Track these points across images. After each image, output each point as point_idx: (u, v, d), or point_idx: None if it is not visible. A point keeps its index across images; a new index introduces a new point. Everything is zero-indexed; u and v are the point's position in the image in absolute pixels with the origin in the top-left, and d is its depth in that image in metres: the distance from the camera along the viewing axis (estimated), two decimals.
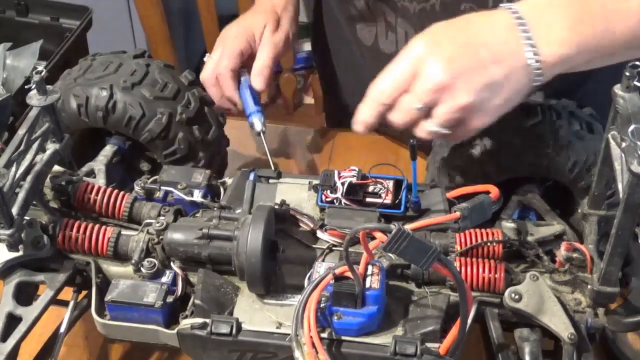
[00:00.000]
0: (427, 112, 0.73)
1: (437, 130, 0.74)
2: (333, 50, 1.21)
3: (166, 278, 0.71)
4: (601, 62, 0.76)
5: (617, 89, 0.64)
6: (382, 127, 0.80)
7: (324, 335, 0.65)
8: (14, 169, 0.68)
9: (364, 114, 0.76)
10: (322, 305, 0.64)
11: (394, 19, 0.98)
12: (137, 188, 0.79)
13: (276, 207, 0.74)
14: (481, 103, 0.72)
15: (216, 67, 1.01)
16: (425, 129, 0.74)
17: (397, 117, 0.75)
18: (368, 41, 1.05)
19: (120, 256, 0.74)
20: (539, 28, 0.72)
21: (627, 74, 0.63)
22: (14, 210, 0.68)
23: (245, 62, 1.03)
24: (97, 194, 0.77)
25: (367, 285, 0.65)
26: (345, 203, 0.76)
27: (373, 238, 0.64)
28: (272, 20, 1.07)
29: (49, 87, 0.73)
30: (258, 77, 1.02)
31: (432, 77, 0.71)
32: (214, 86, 1.02)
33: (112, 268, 0.74)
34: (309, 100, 2.02)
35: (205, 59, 1.05)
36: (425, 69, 0.72)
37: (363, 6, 1.01)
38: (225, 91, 1.01)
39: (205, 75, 1.02)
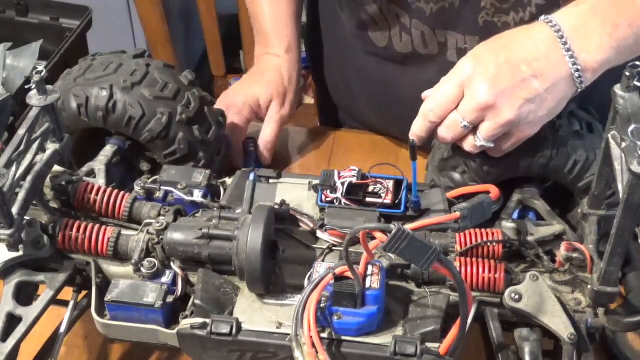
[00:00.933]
0: (473, 128, 0.78)
1: (482, 144, 0.79)
2: (328, 50, 1.20)
3: (166, 278, 0.71)
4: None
5: (617, 89, 0.64)
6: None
7: (324, 335, 0.66)
8: (14, 169, 0.68)
9: (416, 129, 0.82)
10: (322, 305, 0.64)
11: (408, 20, 0.98)
12: (137, 188, 0.79)
13: (276, 207, 0.74)
14: (525, 117, 0.77)
15: (228, 130, 1.02)
16: (471, 144, 0.80)
17: (445, 133, 0.80)
18: (381, 43, 1.04)
19: (120, 256, 0.74)
20: (578, 38, 0.76)
21: (627, 74, 0.63)
22: (14, 210, 0.68)
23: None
24: (97, 194, 0.77)
25: (367, 285, 0.65)
26: (345, 203, 0.76)
27: (373, 238, 0.64)
28: (280, 95, 1.09)
29: (49, 87, 0.73)
30: (265, 152, 1.06)
31: (477, 97, 0.76)
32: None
33: (112, 268, 0.74)
34: (309, 100, 2.02)
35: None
36: (471, 89, 0.77)
37: (375, 11, 1.00)
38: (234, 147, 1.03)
39: None
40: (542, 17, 0.78)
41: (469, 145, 0.80)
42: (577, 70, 0.76)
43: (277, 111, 1.08)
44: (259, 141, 1.06)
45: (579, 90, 0.78)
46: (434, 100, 0.80)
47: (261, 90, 1.08)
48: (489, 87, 0.76)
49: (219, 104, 1.05)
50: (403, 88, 1.06)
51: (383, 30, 1.02)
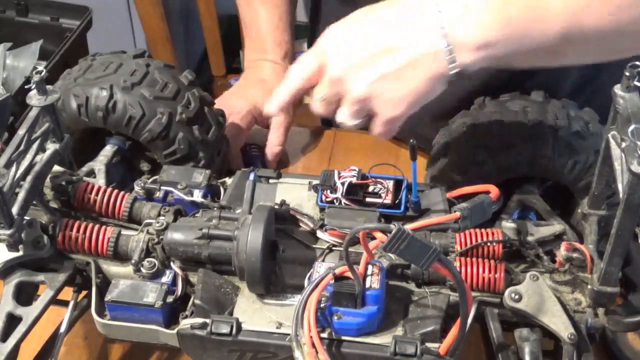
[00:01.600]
0: (339, 102, 0.76)
1: (346, 120, 0.77)
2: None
3: (166, 278, 0.71)
4: (540, 58, 0.72)
5: (617, 89, 0.64)
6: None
7: (324, 335, 0.65)
8: (14, 169, 0.68)
9: (277, 98, 0.83)
10: (322, 305, 0.64)
11: None
12: (137, 188, 0.79)
13: (276, 207, 0.74)
14: (380, 94, 0.73)
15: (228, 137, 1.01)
16: (341, 118, 0.78)
17: (314, 107, 0.80)
18: None
19: (120, 256, 0.74)
20: (453, 10, 0.68)
21: (627, 73, 0.63)
22: (14, 210, 0.68)
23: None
24: (97, 194, 0.77)
25: (367, 285, 0.65)
26: (345, 203, 0.76)
27: (373, 238, 0.64)
28: None
29: (49, 87, 0.73)
30: (273, 158, 1.05)
31: (328, 72, 0.75)
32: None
33: (112, 268, 0.74)
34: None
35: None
36: (326, 63, 0.75)
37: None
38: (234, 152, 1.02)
39: None
40: None
41: (340, 119, 0.78)
42: (448, 46, 0.68)
43: (283, 118, 1.07)
44: (266, 148, 1.06)
45: (453, 71, 0.70)
46: (295, 73, 0.80)
47: (264, 98, 1.06)
48: (340, 61, 0.73)
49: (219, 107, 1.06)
50: None
51: None
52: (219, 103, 1.05)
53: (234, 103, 1.06)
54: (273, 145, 1.06)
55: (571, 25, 0.69)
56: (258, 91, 1.09)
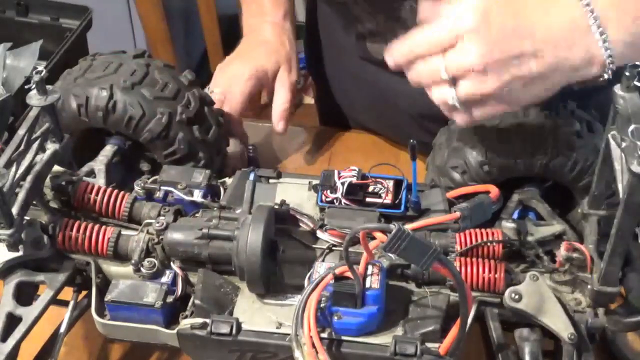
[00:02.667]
0: (450, 82, 0.71)
1: (453, 103, 0.72)
2: (326, 53, 1.19)
3: (166, 278, 0.71)
4: None
5: (617, 89, 0.64)
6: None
7: (324, 335, 0.65)
8: (14, 169, 0.68)
9: (396, 52, 0.75)
10: (322, 305, 0.64)
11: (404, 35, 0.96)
12: (137, 188, 0.79)
13: (276, 207, 0.74)
14: (507, 94, 0.71)
15: (226, 108, 0.99)
16: (442, 96, 0.72)
17: (420, 74, 0.73)
18: (379, 55, 1.00)
19: (120, 256, 0.74)
20: (609, 19, 0.68)
21: (627, 74, 0.63)
22: (14, 210, 0.68)
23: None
24: (97, 194, 0.77)
25: (367, 285, 0.65)
26: (345, 203, 0.76)
27: (373, 238, 0.64)
28: (286, 61, 1.05)
29: (49, 87, 0.73)
30: (281, 121, 1.01)
31: (467, 57, 0.69)
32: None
33: (112, 268, 0.74)
34: (309, 100, 2.02)
35: (211, 89, 1.02)
36: (464, 45, 0.69)
37: (373, 27, 0.99)
38: (234, 129, 1.00)
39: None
40: None
41: (439, 96, 0.73)
42: (607, 49, 0.68)
43: (287, 76, 1.03)
44: (273, 108, 1.01)
45: (605, 77, 0.70)
46: (425, 34, 0.73)
47: (269, 59, 1.04)
48: (483, 53, 0.69)
49: (217, 78, 1.02)
50: (400, 95, 1.05)
51: (381, 43, 1.00)
52: (219, 72, 1.04)
53: (235, 67, 1.03)
54: (280, 103, 1.02)
55: None
56: (260, 53, 1.05)
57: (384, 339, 0.66)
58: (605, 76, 0.70)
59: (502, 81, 0.69)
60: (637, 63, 0.62)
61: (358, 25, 1.01)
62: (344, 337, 0.66)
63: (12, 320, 0.70)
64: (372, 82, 1.09)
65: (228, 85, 1.02)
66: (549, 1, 0.71)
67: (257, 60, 1.03)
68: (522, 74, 0.69)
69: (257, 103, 1.07)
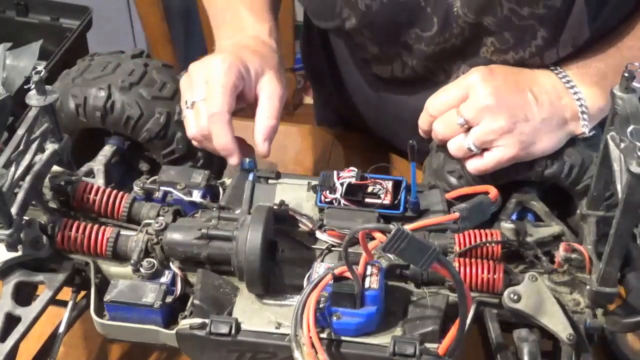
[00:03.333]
0: (466, 129, 0.80)
1: (468, 147, 0.80)
2: (322, 60, 1.17)
3: (165, 278, 0.71)
4: None
5: (616, 89, 0.64)
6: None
7: (323, 335, 0.66)
8: (13, 169, 0.68)
9: (420, 124, 0.85)
10: (321, 305, 0.64)
11: (410, 59, 0.96)
12: (136, 188, 0.79)
13: (275, 207, 0.74)
14: (516, 134, 0.78)
15: (208, 112, 0.79)
16: (459, 144, 0.81)
17: (439, 127, 0.82)
18: (384, 74, 1.02)
19: (119, 256, 0.74)
20: (582, 84, 0.81)
21: (626, 74, 0.63)
22: (13, 210, 0.68)
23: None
24: (96, 194, 0.77)
25: (366, 285, 0.65)
26: (344, 204, 0.76)
27: (372, 238, 0.64)
28: (273, 67, 0.84)
29: (48, 87, 0.73)
30: (266, 141, 0.80)
31: (480, 99, 0.79)
32: (208, 140, 0.80)
33: (111, 268, 0.74)
34: (308, 100, 2.02)
35: (183, 109, 0.82)
36: (476, 92, 0.79)
37: (377, 52, 0.98)
38: (219, 139, 0.79)
39: (195, 130, 0.81)
40: (551, 67, 0.84)
41: (455, 144, 0.81)
42: (584, 112, 0.80)
43: (275, 86, 0.82)
44: (256, 125, 0.81)
45: (575, 134, 0.81)
46: (439, 96, 0.82)
47: (252, 58, 0.82)
48: (494, 93, 0.78)
49: (185, 83, 0.82)
50: (400, 108, 1.04)
51: (385, 65, 1.00)
52: (184, 80, 0.83)
53: (207, 63, 0.81)
54: (265, 117, 0.81)
55: None
56: (243, 51, 0.83)
57: (383, 339, 0.66)
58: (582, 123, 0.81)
59: (513, 119, 0.78)
60: (636, 64, 0.63)
61: (362, 51, 1.01)
62: (343, 338, 0.66)
63: (11, 321, 0.70)
64: (372, 95, 1.09)
65: (203, 82, 0.81)
66: (533, 70, 0.84)
67: (238, 56, 0.82)
68: (529, 117, 0.79)
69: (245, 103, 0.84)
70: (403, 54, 0.96)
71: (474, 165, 0.81)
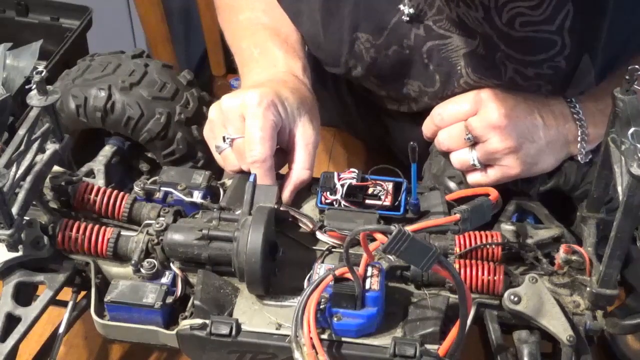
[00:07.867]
0: (471, 144, 0.80)
1: (473, 163, 0.80)
2: (326, 75, 1.16)
3: (166, 279, 0.71)
4: None
5: (617, 92, 0.64)
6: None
7: (324, 336, 0.66)
8: (14, 169, 0.68)
9: (424, 129, 0.85)
10: (321, 306, 0.64)
11: (415, 105, 0.96)
12: (136, 189, 0.79)
13: (276, 208, 0.74)
14: (521, 154, 0.79)
15: (250, 157, 0.75)
16: (462, 159, 0.81)
17: (445, 139, 0.82)
18: (392, 108, 1.01)
19: (119, 257, 0.74)
20: (586, 115, 0.82)
21: (627, 77, 0.63)
22: (14, 211, 0.68)
23: None
24: (96, 195, 0.77)
25: (367, 286, 0.65)
26: (344, 205, 0.76)
27: (372, 240, 0.64)
28: (310, 109, 0.81)
29: (49, 87, 0.73)
30: (297, 185, 0.78)
31: (490, 116, 0.79)
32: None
33: (111, 269, 0.74)
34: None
35: (219, 144, 0.78)
36: (486, 109, 0.79)
37: (384, 94, 0.98)
38: (261, 182, 0.75)
39: (237, 169, 0.79)
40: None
41: (459, 157, 0.81)
42: (583, 140, 0.81)
43: (311, 132, 0.79)
44: (291, 175, 0.78)
45: (572, 154, 0.82)
46: (447, 107, 0.82)
47: (288, 95, 0.79)
48: (506, 115, 0.78)
49: (217, 115, 0.79)
50: (407, 134, 1.01)
51: (391, 104, 1.00)
52: (215, 111, 0.79)
53: (243, 94, 0.76)
54: (300, 169, 0.78)
55: None
56: (278, 85, 0.80)
57: (383, 340, 0.66)
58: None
59: (520, 139, 0.78)
60: (637, 67, 0.63)
61: (370, 91, 1.01)
62: (343, 339, 0.66)
63: (11, 321, 0.70)
64: (375, 119, 1.09)
65: (239, 118, 0.76)
66: (544, 97, 0.84)
67: (275, 91, 0.77)
68: (534, 139, 0.79)
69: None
70: (410, 100, 0.97)
71: (475, 179, 0.82)
